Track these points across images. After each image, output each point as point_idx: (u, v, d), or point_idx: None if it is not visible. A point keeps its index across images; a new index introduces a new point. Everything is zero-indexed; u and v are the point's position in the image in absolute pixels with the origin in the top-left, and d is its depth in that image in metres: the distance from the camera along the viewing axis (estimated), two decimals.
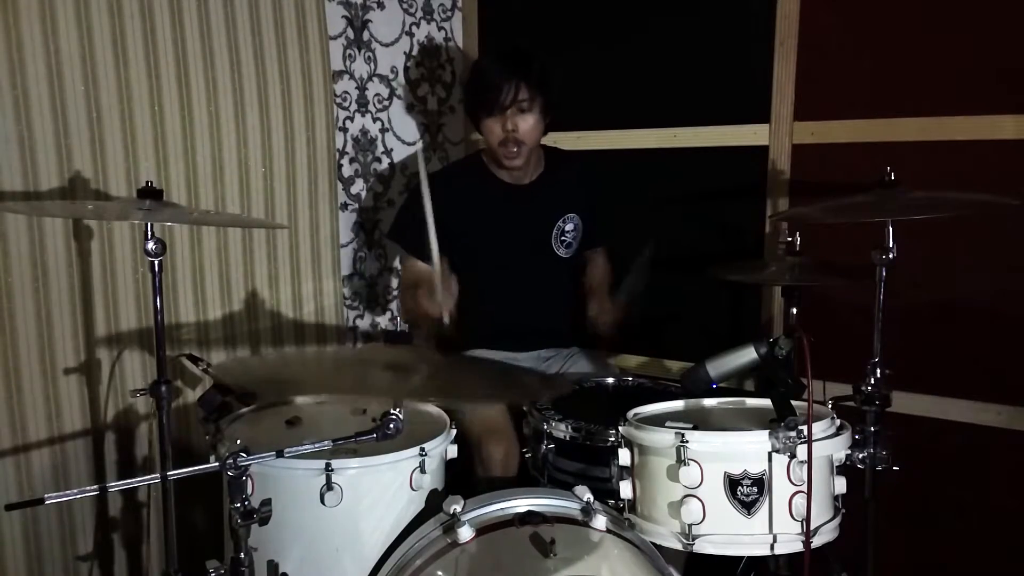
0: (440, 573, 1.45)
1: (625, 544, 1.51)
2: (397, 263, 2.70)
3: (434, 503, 1.62)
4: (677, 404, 1.72)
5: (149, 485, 1.97)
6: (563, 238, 2.33)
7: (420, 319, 2.08)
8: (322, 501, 1.53)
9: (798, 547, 1.43)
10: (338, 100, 2.50)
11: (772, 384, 1.49)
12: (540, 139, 2.23)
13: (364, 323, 2.64)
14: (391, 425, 1.32)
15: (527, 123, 2.14)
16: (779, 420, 1.42)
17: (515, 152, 2.17)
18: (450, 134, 2.89)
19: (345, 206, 2.55)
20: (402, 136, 2.72)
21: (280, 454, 1.29)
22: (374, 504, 1.58)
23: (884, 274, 1.62)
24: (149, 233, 1.57)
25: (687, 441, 1.44)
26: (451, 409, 1.81)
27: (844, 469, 1.54)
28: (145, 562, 2.07)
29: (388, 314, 2.72)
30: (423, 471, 1.62)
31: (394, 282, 2.73)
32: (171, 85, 2.07)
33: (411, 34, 2.72)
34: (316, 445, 1.31)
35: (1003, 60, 2.04)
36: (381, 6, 2.60)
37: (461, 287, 2.26)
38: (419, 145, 2.05)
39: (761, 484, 1.43)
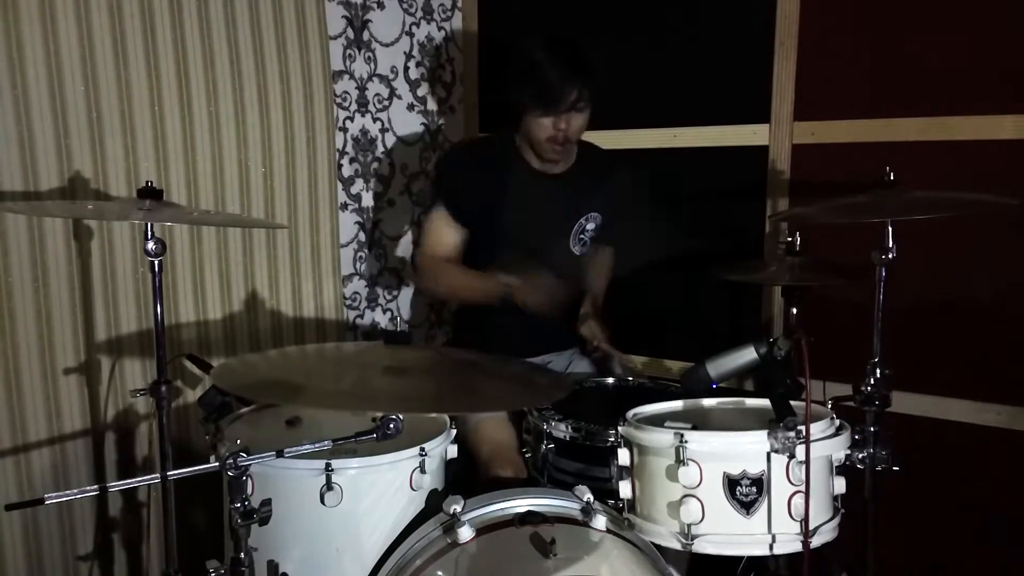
0: (440, 573, 1.45)
1: (625, 544, 1.51)
2: (392, 261, 2.70)
3: (434, 503, 1.62)
4: (677, 404, 1.72)
5: (149, 485, 1.97)
6: (582, 236, 2.31)
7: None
8: (322, 501, 1.53)
9: (797, 547, 1.43)
10: (338, 100, 2.50)
11: (772, 384, 1.49)
12: None
13: (364, 323, 2.65)
14: (391, 425, 1.32)
15: (579, 122, 2.13)
16: (778, 420, 1.41)
17: (562, 149, 2.15)
18: (450, 134, 2.89)
19: (345, 206, 2.55)
20: (402, 136, 2.72)
21: (280, 454, 1.29)
22: (374, 504, 1.58)
23: (884, 274, 1.62)
24: (149, 233, 1.57)
25: (686, 441, 1.44)
26: (453, 416, 1.79)
27: (844, 469, 1.54)
28: (145, 562, 2.07)
29: (388, 314, 2.72)
30: (423, 471, 1.62)
31: (394, 282, 2.73)
32: (171, 85, 2.07)
33: (411, 34, 2.72)
34: (316, 445, 1.31)
35: (1003, 60, 2.04)
36: (381, 6, 2.60)
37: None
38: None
39: (760, 484, 1.43)
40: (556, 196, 2.26)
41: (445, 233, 2.23)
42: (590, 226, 2.31)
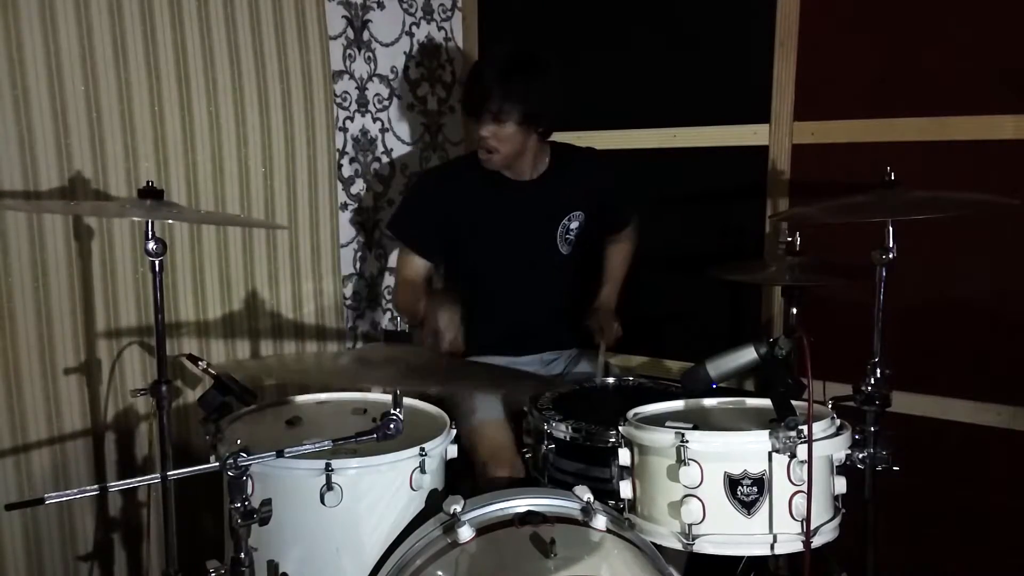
0: (440, 573, 1.45)
1: (625, 544, 1.51)
2: (392, 261, 2.70)
3: (434, 503, 1.62)
4: (677, 404, 1.72)
5: (149, 485, 1.97)
6: (567, 236, 2.32)
7: (413, 320, 2.06)
8: (322, 501, 1.52)
9: (798, 547, 1.43)
10: (338, 100, 2.50)
11: (772, 384, 1.49)
12: (522, 147, 2.16)
13: (364, 323, 2.65)
14: (391, 425, 1.32)
15: (502, 133, 2.10)
16: (779, 420, 1.41)
17: (487, 156, 2.16)
18: (450, 134, 2.89)
19: (345, 206, 2.55)
20: (402, 136, 2.72)
21: (280, 454, 1.29)
22: (374, 504, 1.58)
23: (884, 274, 1.62)
24: (150, 233, 1.57)
25: (687, 441, 1.44)
26: (453, 417, 1.79)
27: (844, 469, 1.54)
28: (145, 562, 2.07)
29: (388, 314, 2.72)
30: (423, 471, 1.62)
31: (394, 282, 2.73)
32: (171, 85, 2.07)
33: (411, 34, 2.72)
34: (316, 445, 1.31)
35: (1003, 60, 2.04)
36: (381, 6, 2.60)
37: (463, 289, 2.25)
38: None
39: (761, 484, 1.43)
40: (533, 202, 2.26)
41: (410, 263, 2.26)
42: (574, 225, 2.32)
